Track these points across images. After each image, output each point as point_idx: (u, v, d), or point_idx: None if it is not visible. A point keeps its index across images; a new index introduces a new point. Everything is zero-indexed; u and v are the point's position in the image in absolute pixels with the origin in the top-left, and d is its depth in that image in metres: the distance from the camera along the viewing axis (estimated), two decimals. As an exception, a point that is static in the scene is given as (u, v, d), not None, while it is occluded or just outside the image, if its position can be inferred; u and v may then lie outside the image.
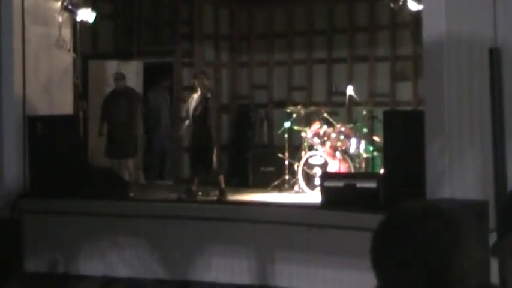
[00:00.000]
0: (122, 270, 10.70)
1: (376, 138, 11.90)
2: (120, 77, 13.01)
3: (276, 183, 12.29)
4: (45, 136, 11.29)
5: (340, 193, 9.96)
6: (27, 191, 11.31)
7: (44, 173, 11.18)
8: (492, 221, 8.09)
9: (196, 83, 11.77)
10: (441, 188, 8.99)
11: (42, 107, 11.66)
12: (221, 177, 11.53)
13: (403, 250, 1.65)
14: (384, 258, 1.68)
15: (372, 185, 9.91)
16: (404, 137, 9.78)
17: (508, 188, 8.14)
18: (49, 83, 11.88)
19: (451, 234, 1.67)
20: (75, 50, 12.33)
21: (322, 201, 10.31)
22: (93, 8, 12.28)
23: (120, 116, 12.72)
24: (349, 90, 12.36)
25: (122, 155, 12.98)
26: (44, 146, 11.23)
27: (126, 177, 12.64)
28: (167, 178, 14.48)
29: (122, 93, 12.85)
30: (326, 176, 10.81)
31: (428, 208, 1.73)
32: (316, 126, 12.24)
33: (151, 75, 14.73)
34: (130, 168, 13.04)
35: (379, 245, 1.72)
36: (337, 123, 12.27)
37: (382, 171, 10.89)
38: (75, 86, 12.49)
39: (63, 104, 12.12)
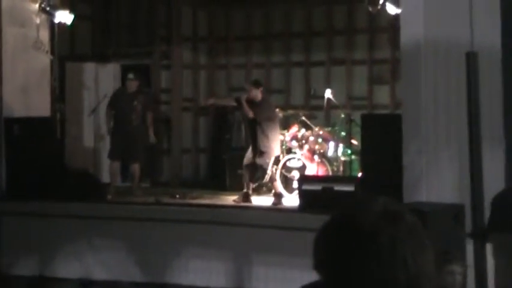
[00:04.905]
0: (99, 273, 10.65)
1: (354, 142, 11.92)
2: (133, 78, 12.41)
3: (253, 186, 12.28)
4: (22, 138, 11.23)
5: (318, 196, 9.98)
6: (4, 193, 11.25)
7: (21, 175, 11.12)
8: (468, 225, 8.15)
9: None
10: (418, 192, 9.03)
11: (19, 109, 11.59)
12: (276, 183, 11.52)
13: (376, 250, 1.64)
14: (350, 257, 1.66)
15: (349, 188, 9.95)
16: (381, 141, 9.81)
17: (484, 191, 8.18)
18: (26, 85, 11.80)
19: (418, 238, 1.68)
20: (52, 52, 12.24)
21: (300, 204, 10.33)
22: (71, 10, 12.19)
23: (132, 118, 12.20)
24: (327, 94, 12.37)
25: (131, 159, 12.39)
26: (21, 148, 11.18)
27: (129, 181, 12.43)
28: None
29: (135, 94, 12.30)
30: (304, 179, 10.82)
31: (394, 211, 1.73)
32: (294, 129, 12.23)
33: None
34: (137, 173, 12.38)
35: (343, 242, 1.69)
36: (316, 126, 12.28)
37: (360, 174, 10.91)
38: (52, 88, 12.40)
39: (40, 106, 12.03)
